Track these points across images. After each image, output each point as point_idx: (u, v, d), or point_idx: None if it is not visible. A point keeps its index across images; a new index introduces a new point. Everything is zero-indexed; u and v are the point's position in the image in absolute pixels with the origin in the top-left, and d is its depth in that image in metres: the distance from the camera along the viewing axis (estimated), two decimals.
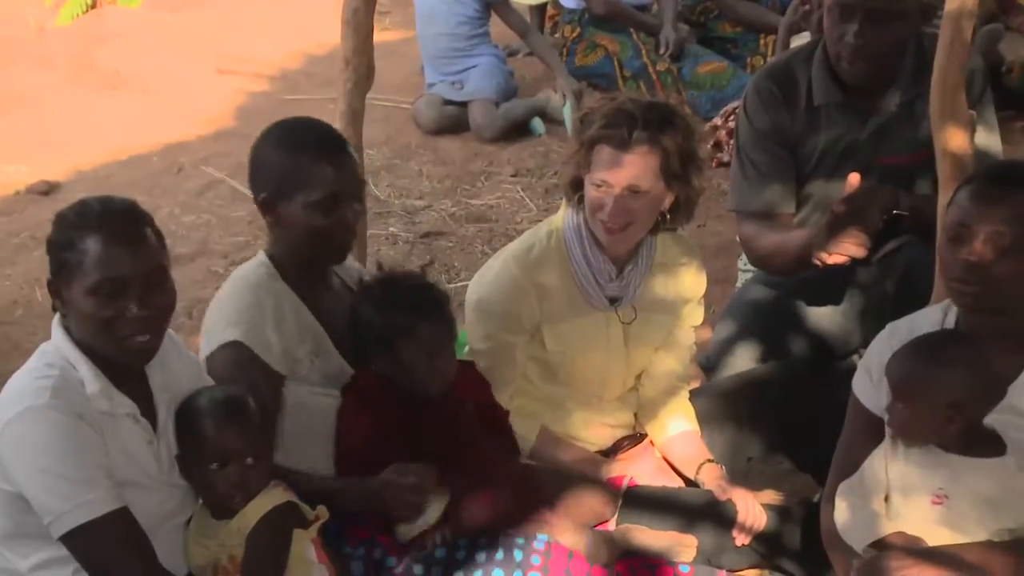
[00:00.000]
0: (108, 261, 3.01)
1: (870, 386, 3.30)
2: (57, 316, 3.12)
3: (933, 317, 3.28)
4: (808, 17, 6.19)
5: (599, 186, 3.61)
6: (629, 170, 3.59)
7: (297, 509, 3.20)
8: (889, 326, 3.37)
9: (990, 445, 3.05)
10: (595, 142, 3.63)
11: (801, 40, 6.12)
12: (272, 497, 3.17)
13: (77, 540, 2.94)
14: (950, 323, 3.23)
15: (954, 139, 3.80)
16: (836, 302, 4.31)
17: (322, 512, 3.24)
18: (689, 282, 3.94)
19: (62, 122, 8.34)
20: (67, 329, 3.09)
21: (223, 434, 3.16)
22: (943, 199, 3.59)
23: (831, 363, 4.36)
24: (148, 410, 3.16)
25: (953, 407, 2.99)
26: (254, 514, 3.13)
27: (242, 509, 3.14)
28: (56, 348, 3.08)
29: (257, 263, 3.56)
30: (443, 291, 3.69)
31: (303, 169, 3.43)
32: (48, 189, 7.25)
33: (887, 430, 3.15)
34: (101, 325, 3.03)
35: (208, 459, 3.15)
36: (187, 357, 3.36)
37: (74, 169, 7.60)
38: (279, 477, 3.28)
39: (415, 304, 3.53)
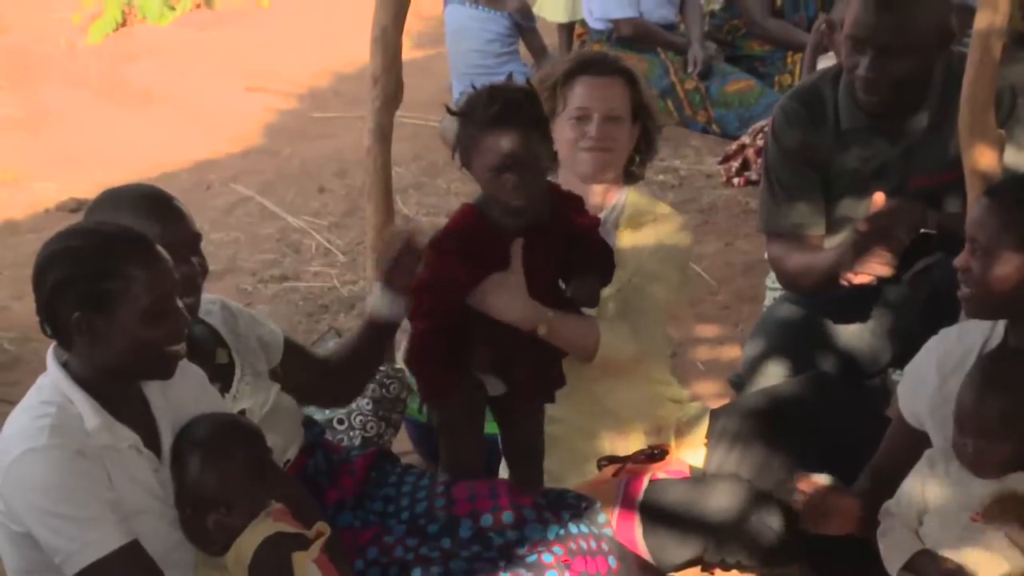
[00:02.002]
0: (156, 280, 3.00)
1: (911, 395, 3.33)
2: (52, 350, 3.08)
3: (983, 325, 3.28)
4: (832, 38, 6.19)
5: (579, 117, 3.86)
6: (608, 94, 3.88)
7: (292, 535, 3.16)
8: (941, 333, 3.39)
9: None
10: (571, 76, 3.88)
11: (828, 61, 6.12)
12: (263, 529, 3.12)
13: None
14: (999, 331, 3.24)
15: (983, 158, 3.79)
16: (866, 320, 4.29)
17: (323, 528, 3.20)
18: (665, 229, 4.04)
19: (92, 140, 8.39)
20: (63, 364, 3.06)
21: (200, 480, 3.11)
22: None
23: (861, 381, 4.35)
24: (152, 436, 3.13)
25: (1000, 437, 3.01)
26: (248, 547, 3.09)
27: (235, 542, 3.11)
28: (53, 384, 3.04)
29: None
30: (525, 105, 3.53)
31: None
32: (77, 207, 7.27)
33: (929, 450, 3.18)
34: (150, 345, 3.02)
35: (184, 502, 3.13)
36: (188, 370, 3.27)
37: (104, 186, 7.46)
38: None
39: (484, 116, 3.45)
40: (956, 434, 3.09)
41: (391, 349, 4.76)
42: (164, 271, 3.03)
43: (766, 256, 4.54)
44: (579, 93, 3.89)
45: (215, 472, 3.11)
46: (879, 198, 3.81)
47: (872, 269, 3.73)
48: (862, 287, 3.83)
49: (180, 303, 3.08)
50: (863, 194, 4.04)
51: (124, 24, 10.49)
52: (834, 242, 4.18)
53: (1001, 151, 3.85)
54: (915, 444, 3.28)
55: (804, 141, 4.18)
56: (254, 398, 3.46)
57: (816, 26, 6.68)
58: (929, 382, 3.26)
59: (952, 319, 3.64)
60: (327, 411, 4.43)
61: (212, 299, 3.57)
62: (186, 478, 3.12)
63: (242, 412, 3.41)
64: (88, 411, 3.01)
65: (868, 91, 4.03)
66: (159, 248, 3.06)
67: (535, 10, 8.59)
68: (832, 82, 4.19)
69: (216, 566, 3.15)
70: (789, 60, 7.98)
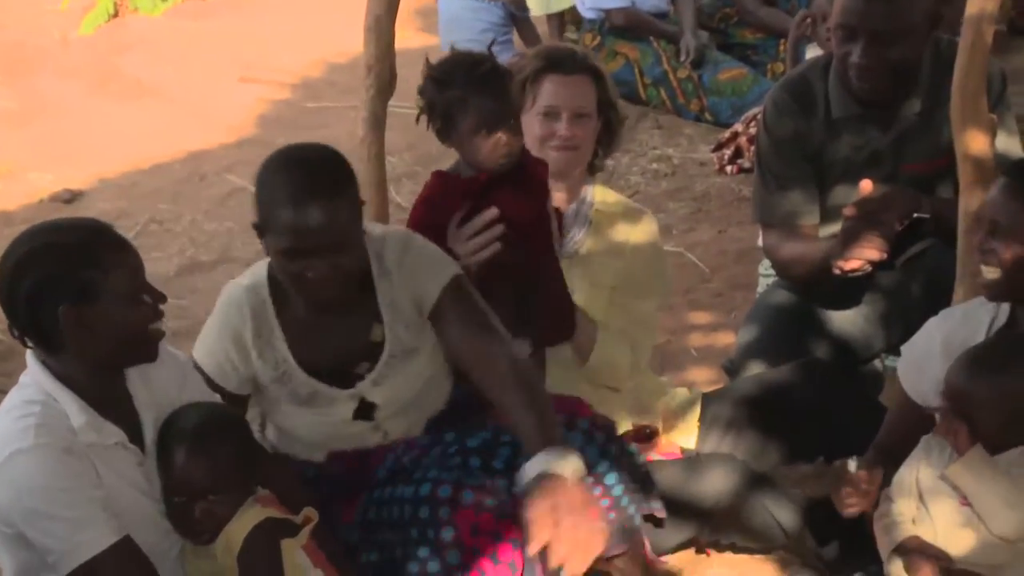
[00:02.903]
0: (129, 264, 3.04)
1: (915, 374, 3.36)
2: (32, 350, 3.09)
3: (988, 305, 3.30)
4: (816, 31, 6.20)
5: (547, 115, 3.89)
6: (577, 92, 3.92)
7: (281, 521, 3.16)
8: (943, 312, 3.42)
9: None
10: (540, 73, 3.91)
11: (815, 50, 6.13)
12: (251, 516, 3.13)
13: None
14: (1004, 310, 3.26)
15: (975, 143, 3.80)
16: (859, 306, 4.31)
17: (311, 514, 3.21)
18: (641, 229, 4.09)
19: (86, 131, 8.37)
20: (44, 363, 3.07)
21: (186, 469, 3.12)
22: (964, 203, 3.61)
23: (854, 367, 4.36)
24: (135, 431, 3.14)
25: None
26: (237, 535, 3.10)
27: (223, 530, 3.12)
28: (36, 382, 3.05)
29: (250, 280, 3.48)
30: (503, 68, 3.65)
31: (275, 213, 3.26)
32: (71, 197, 7.29)
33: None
34: (136, 327, 3.05)
35: (171, 492, 3.13)
36: (168, 357, 3.29)
37: (97, 177, 7.63)
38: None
39: (470, 79, 3.53)
40: (946, 414, 3.11)
41: None
42: (133, 254, 3.08)
43: (761, 246, 4.55)
44: (548, 91, 3.91)
45: (201, 460, 3.13)
46: (866, 185, 3.84)
47: (862, 254, 3.77)
48: (854, 274, 3.84)
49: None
50: (856, 182, 4.06)
51: (116, 15, 10.46)
52: (828, 230, 4.19)
53: (993, 136, 3.86)
54: (919, 422, 3.29)
55: (795, 131, 4.19)
56: (392, 386, 3.44)
57: (797, 21, 6.68)
58: (935, 361, 3.26)
59: (946, 303, 3.66)
60: None
61: (394, 233, 3.54)
62: (172, 468, 3.14)
63: (370, 405, 3.42)
64: (74, 409, 3.02)
65: (863, 78, 4.04)
66: (121, 235, 3.11)
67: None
68: (822, 72, 4.21)
69: (205, 555, 3.16)
70: (781, 48, 7.96)
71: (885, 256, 3.80)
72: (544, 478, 3.05)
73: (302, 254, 3.19)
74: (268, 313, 3.39)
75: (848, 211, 3.82)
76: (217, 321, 3.44)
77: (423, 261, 3.42)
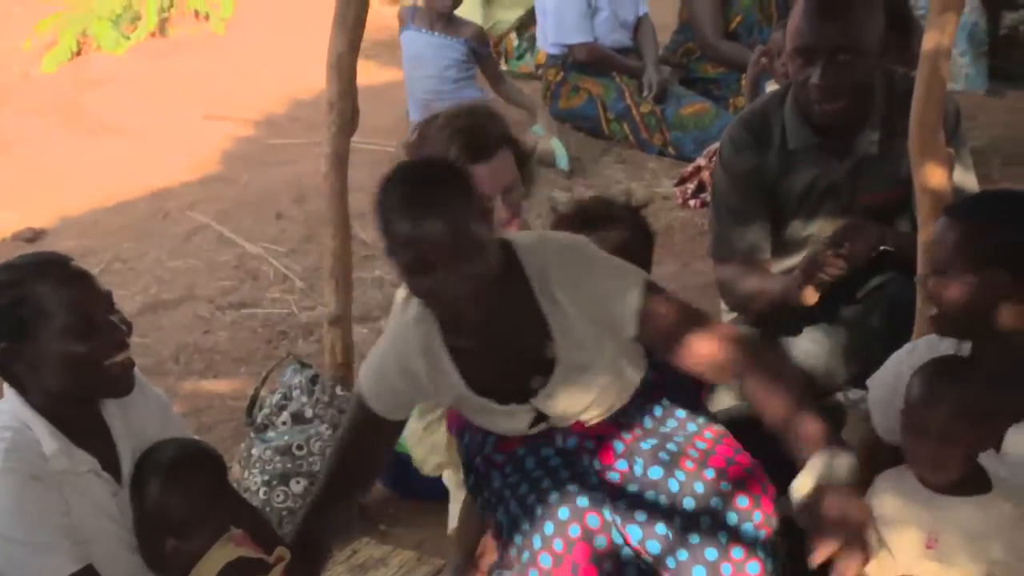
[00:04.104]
0: (72, 297, 3.02)
1: (885, 412, 3.35)
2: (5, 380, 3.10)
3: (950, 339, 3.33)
4: (772, 66, 6.24)
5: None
6: (502, 172, 3.89)
7: (253, 560, 3.17)
8: (907, 346, 3.44)
9: (979, 483, 3.09)
10: (465, 165, 3.72)
11: (772, 86, 6.17)
12: (223, 553, 3.14)
13: None
14: (966, 346, 3.28)
15: (934, 177, 3.83)
16: (821, 339, 4.33)
17: (283, 553, 3.22)
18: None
19: (49, 169, 8.36)
20: (19, 391, 3.08)
21: (159, 503, 3.13)
22: (922, 236, 3.64)
23: (817, 401, 4.38)
24: (111, 461, 3.15)
25: (954, 439, 3.04)
26: (208, 572, 3.11)
27: (195, 567, 3.12)
28: (10, 409, 3.07)
29: (416, 312, 3.29)
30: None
31: (391, 231, 3.10)
32: (34, 236, 7.28)
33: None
34: (85, 361, 3.03)
35: (143, 526, 3.14)
36: (151, 396, 3.32)
37: (60, 216, 7.62)
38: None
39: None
40: (907, 439, 3.13)
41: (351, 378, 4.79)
42: (82, 287, 3.06)
43: (716, 281, 4.56)
44: (477, 180, 3.84)
45: (174, 497, 3.13)
46: (838, 228, 3.93)
47: (827, 273, 3.85)
48: (818, 305, 3.88)
49: (114, 316, 3.10)
50: (813, 214, 4.09)
51: (79, 53, 10.46)
52: (784, 264, 4.23)
53: (951, 170, 3.89)
54: (887, 460, 3.29)
55: (752, 166, 4.21)
56: (566, 398, 3.33)
57: (754, 58, 6.72)
58: (901, 395, 3.24)
59: (907, 336, 3.68)
60: (286, 437, 4.45)
61: (556, 246, 3.30)
62: (146, 503, 3.14)
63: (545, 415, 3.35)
64: (46, 436, 3.03)
65: (826, 99, 4.05)
66: (74, 266, 3.10)
67: None
68: (778, 104, 4.23)
69: None
70: (743, 82, 8.04)
71: (844, 271, 3.86)
72: (822, 488, 2.90)
73: (424, 269, 3.03)
74: (436, 342, 3.26)
75: (821, 247, 3.88)
76: (388, 352, 3.32)
77: (600, 288, 3.21)
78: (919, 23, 5.41)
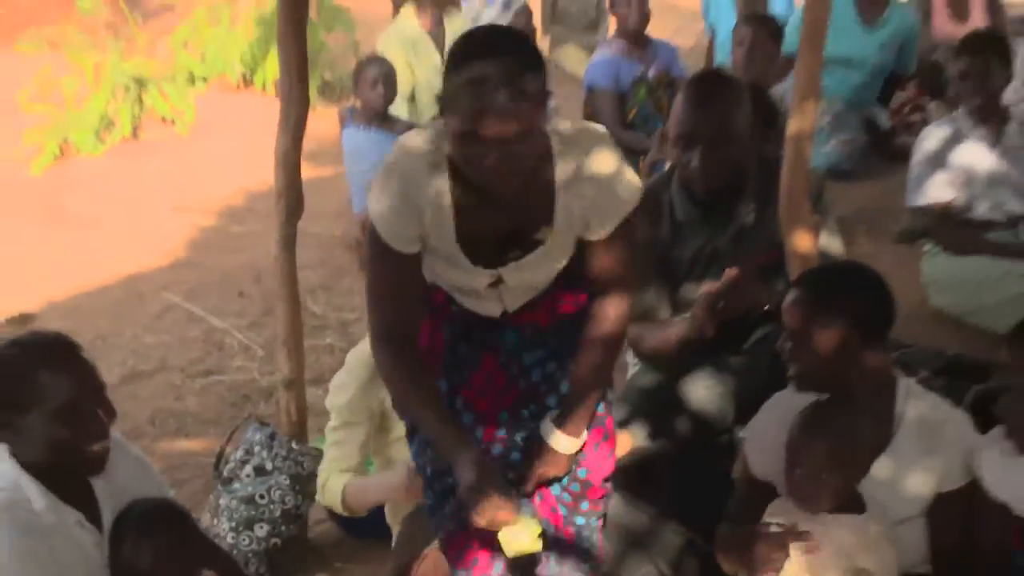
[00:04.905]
0: (66, 384, 2.99)
1: (759, 456, 3.37)
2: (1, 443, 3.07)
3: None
4: (663, 148, 6.30)
5: None
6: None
7: None
8: (775, 396, 3.46)
9: (855, 505, 3.14)
10: None
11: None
12: None
13: None
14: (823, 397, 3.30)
15: (802, 242, 3.89)
16: (713, 386, 4.34)
17: None
18: None
19: (36, 261, 8.31)
20: (13, 454, 3.05)
21: (133, 557, 3.10)
22: None
23: (712, 438, 4.39)
24: (95, 514, 3.12)
25: (828, 470, 3.07)
26: None
27: None
28: (4, 471, 3.03)
29: (430, 146, 3.01)
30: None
31: (458, 94, 2.81)
32: (25, 320, 7.21)
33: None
34: (67, 444, 3.01)
35: None
36: (132, 458, 3.29)
37: (47, 301, 7.57)
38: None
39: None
40: (787, 472, 3.15)
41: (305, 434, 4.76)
42: (78, 376, 3.02)
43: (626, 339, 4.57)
44: None
45: (144, 549, 3.11)
46: (731, 272, 3.91)
47: (721, 316, 3.91)
48: (711, 353, 3.97)
49: (100, 408, 3.06)
50: (702, 277, 4.12)
51: (62, 155, 10.44)
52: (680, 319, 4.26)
53: (817, 235, 3.95)
54: (765, 494, 3.30)
55: (648, 238, 4.20)
56: (530, 273, 3.19)
57: (656, 145, 6.78)
58: (774, 439, 3.27)
59: (786, 382, 3.71)
60: (249, 488, 4.42)
61: (598, 146, 3.09)
62: (121, 554, 3.11)
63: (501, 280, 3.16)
64: (35, 494, 3.01)
65: (705, 180, 4.07)
66: (78, 354, 3.07)
67: None
68: (666, 183, 4.25)
69: None
70: (641, 165, 8.10)
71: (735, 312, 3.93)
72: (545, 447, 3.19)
73: (480, 140, 2.81)
74: (445, 193, 3.00)
75: (709, 289, 3.92)
76: (394, 190, 3.01)
77: (612, 197, 3.07)
78: (783, 111, 5.49)
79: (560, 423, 3.21)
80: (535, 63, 2.83)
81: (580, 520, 3.33)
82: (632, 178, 3.09)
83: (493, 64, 2.75)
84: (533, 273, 3.18)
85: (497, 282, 3.17)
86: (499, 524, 3.05)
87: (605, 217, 3.09)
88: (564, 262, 3.21)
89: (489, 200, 2.98)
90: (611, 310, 3.21)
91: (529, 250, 3.11)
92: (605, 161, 3.07)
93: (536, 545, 3.10)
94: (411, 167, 3.00)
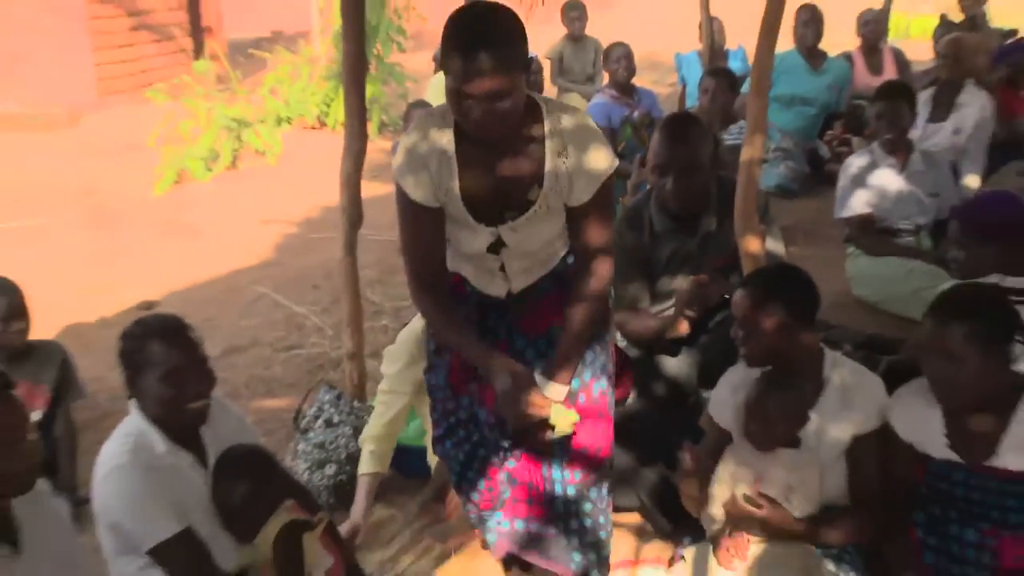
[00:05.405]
0: (168, 354, 3.01)
1: (719, 410, 3.38)
2: (133, 399, 3.09)
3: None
4: (643, 172, 6.28)
5: None
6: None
7: (302, 521, 3.14)
8: (731, 369, 3.46)
9: (793, 442, 3.16)
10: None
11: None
12: (281, 518, 3.11)
13: (158, 554, 2.93)
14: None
15: (752, 246, 3.87)
16: (684, 358, 4.33)
17: (323, 516, 3.20)
18: None
19: (158, 261, 8.32)
20: (140, 408, 3.07)
21: (228, 490, 3.10)
22: None
23: (683, 399, 4.38)
24: (203, 458, 3.14)
25: (784, 422, 3.11)
26: (271, 531, 3.08)
27: (262, 529, 3.08)
28: (132, 421, 3.06)
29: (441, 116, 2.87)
30: None
31: (449, 56, 2.68)
32: (149, 306, 7.20)
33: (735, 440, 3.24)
34: (172, 401, 3.02)
35: (221, 506, 3.11)
36: (231, 414, 3.31)
37: (167, 291, 7.57)
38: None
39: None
40: (746, 424, 3.17)
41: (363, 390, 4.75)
42: (181, 348, 3.03)
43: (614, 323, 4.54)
44: None
45: (239, 484, 3.12)
46: (701, 278, 3.95)
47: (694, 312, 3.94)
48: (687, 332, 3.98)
49: (201, 373, 3.06)
50: (675, 274, 4.11)
51: (179, 181, 10.46)
52: (657, 308, 4.24)
53: (763, 240, 3.93)
54: (724, 439, 3.33)
55: (633, 244, 4.21)
56: (524, 234, 3.01)
57: (632, 183, 6.74)
58: (728, 400, 3.32)
59: (737, 356, 3.69)
60: (320, 436, 4.42)
61: (573, 115, 2.92)
62: (220, 487, 3.12)
63: (502, 242, 3.00)
64: (157, 440, 3.04)
65: (677, 199, 4.08)
66: (185, 332, 3.06)
67: None
68: (647, 201, 4.25)
69: (250, 546, 3.13)
70: (628, 186, 8.08)
71: (700, 317, 3.90)
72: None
73: (467, 96, 2.68)
74: (450, 148, 2.88)
75: (685, 285, 3.95)
76: (410, 143, 2.92)
77: (591, 162, 2.88)
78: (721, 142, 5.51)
79: (552, 375, 3.04)
80: (516, 33, 2.70)
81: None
82: (608, 151, 2.91)
83: (479, 33, 2.65)
84: (528, 234, 3.00)
85: (498, 244, 3.02)
86: (536, 418, 2.95)
87: (587, 180, 2.90)
88: (555, 230, 3.05)
89: (483, 149, 2.85)
90: (599, 268, 3.05)
91: (523, 211, 2.95)
92: (586, 133, 2.90)
93: (572, 425, 3.00)
94: (425, 124, 2.92)
